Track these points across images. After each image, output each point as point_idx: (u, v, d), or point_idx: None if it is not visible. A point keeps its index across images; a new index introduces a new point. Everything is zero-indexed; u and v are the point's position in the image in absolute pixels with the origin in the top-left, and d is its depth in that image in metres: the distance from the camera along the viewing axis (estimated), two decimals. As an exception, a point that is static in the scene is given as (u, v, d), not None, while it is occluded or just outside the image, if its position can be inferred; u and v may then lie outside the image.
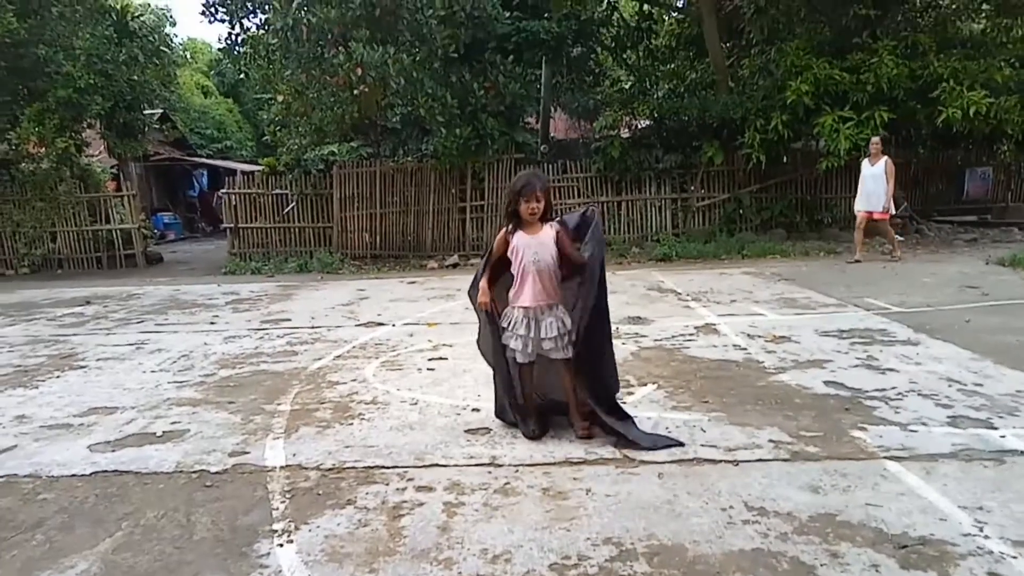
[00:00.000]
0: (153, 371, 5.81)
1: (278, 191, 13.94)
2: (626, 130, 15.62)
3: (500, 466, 3.61)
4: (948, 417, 4.04)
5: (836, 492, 3.17)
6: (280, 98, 13.56)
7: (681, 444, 3.78)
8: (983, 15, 14.04)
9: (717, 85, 14.38)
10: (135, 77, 15.44)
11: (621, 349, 5.89)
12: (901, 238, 12.95)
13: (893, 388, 4.60)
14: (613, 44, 16.35)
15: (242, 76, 19.77)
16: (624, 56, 16.85)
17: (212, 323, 7.85)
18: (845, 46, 12.62)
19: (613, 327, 6.47)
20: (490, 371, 4.61)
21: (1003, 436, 3.72)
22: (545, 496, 3.25)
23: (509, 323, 3.95)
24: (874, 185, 10.53)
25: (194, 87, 29.69)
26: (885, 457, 3.52)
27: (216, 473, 3.66)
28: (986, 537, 2.75)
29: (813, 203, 14.07)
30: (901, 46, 12.10)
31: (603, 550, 2.77)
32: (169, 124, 22.88)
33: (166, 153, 23.16)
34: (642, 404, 4.49)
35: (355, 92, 11.81)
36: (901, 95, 11.91)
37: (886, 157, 10.48)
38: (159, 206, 23.01)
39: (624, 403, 4.46)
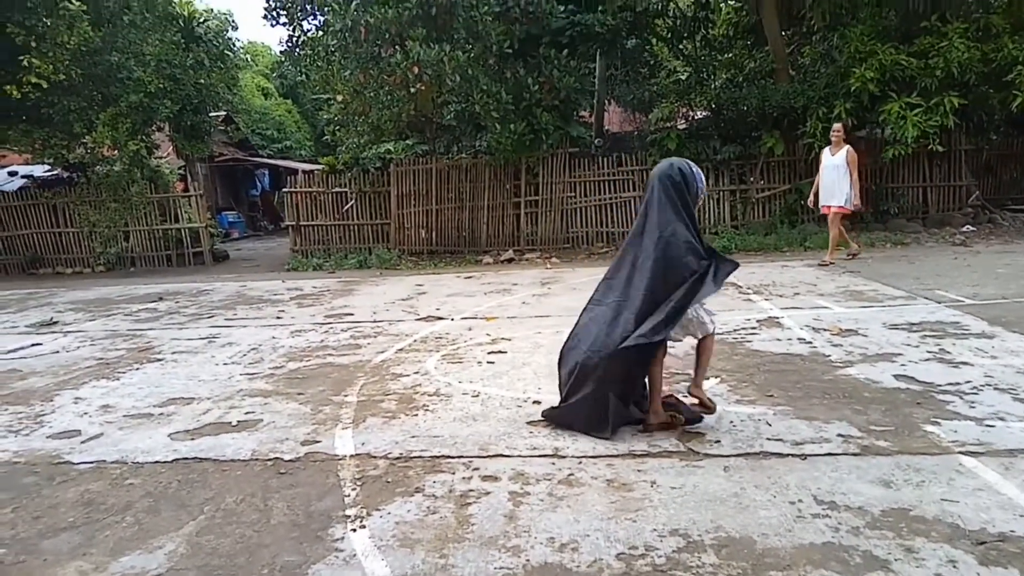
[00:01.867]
0: (225, 363, 6.04)
1: (337, 189, 14.25)
2: (682, 121, 15.40)
3: (563, 457, 3.65)
4: (1028, 412, 3.89)
5: (909, 487, 3.10)
6: (339, 98, 13.85)
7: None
8: (1063, -7, 13.32)
9: (777, 74, 14.04)
10: (201, 81, 16.00)
11: (682, 344, 5.84)
12: (973, 228, 12.45)
13: (967, 382, 4.45)
14: (669, 35, 16.13)
15: (301, 78, 20.28)
16: (680, 47, 16.61)
17: (278, 318, 8.10)
18: (912, 30, 12.16)
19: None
20: (548, 364, 4.65)
21: (1088, 432, 3.58)
22: (609, 487, 3.28)
23: None
24: (835, 176, 9.70)
25: (255, 89, 30.55)
26: (960, 452, 3.42)
27: (290, 461, 3.80)
28: (1071, 535, 2.66)
29: (879, 193, 13.61)
30: (972, 28, 11.59)
31: (670, 541, 2.78)
32: (232, 126, 23.63)
33: (229, 154, 23.91)
34: (705, 397, 4.45)
35: (411, 90, 11.97)
36: (973, 79, 11.42)
37: (848, 146, 9.68)
38: (223, 205, 23.78)
39: (685, 396, 4.44)
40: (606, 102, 16.65)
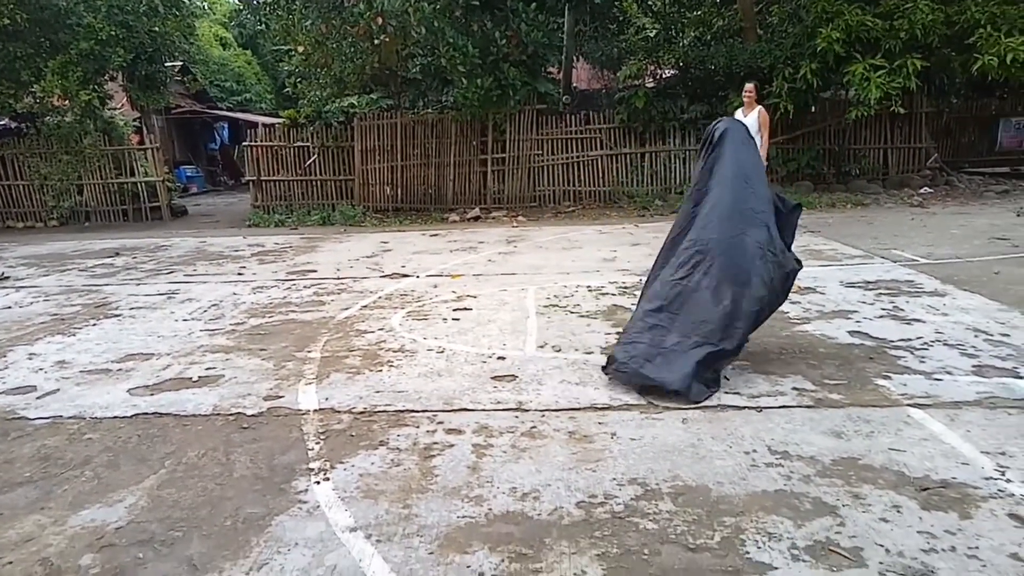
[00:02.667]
0: (185, 320, 5.95)
1: (299, 144, 13.94)
2: (650, 80, 15.32)
3: (527, 411, 3.69)
4: (973, 366, 4.04)
5: (859, 437, 3.22)
6: (300, 49, 13.46)
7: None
8: (1025, -44, 13.44)
9: (745, 33, 14.01)
10: (155, 28, 15.33)
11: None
12: (931, 189, 12.72)
13: (919, 338, 4.60)
14: (638, -10, 15.94)
15: (261, 27, 19.63)
16: (649, 3, 16.43)
17: (240, 274, 7.98)
18: (879, -9, 12.20)
19: (636, 278, 6.54)
20: (513, 321, 4.70)
21: (1028, 385, 3.73)
22: (571, 439, 3.34)
23: None
24: None
25: (213, 39, 29.46)
26: (909, 404, 3.55)
27: (252, 416, 3.78)
28: (1008, 480, 2.79)
29: (841, 154, 13.80)
30: (938, -10, 11.67)
31: (628, 489, 2.85)
32: (189, 76, 22.78)
33: (187, 106, 23.15)
34: (666, 353, 4.52)
35: (375, 42, 11.69)
36: (935, 42, 11.54)
37: (760, 107, 9.34)
38: (181, 159, 23.11)
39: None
40: (574, 58, 16.46)
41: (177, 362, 4.77)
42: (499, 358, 4.57)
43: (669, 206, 12.58)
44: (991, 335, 4.60)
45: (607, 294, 6.26)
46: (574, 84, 16.58)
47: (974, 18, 11.22)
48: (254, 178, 14.11)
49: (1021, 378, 3.83)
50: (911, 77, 11.20)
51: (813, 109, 13.48)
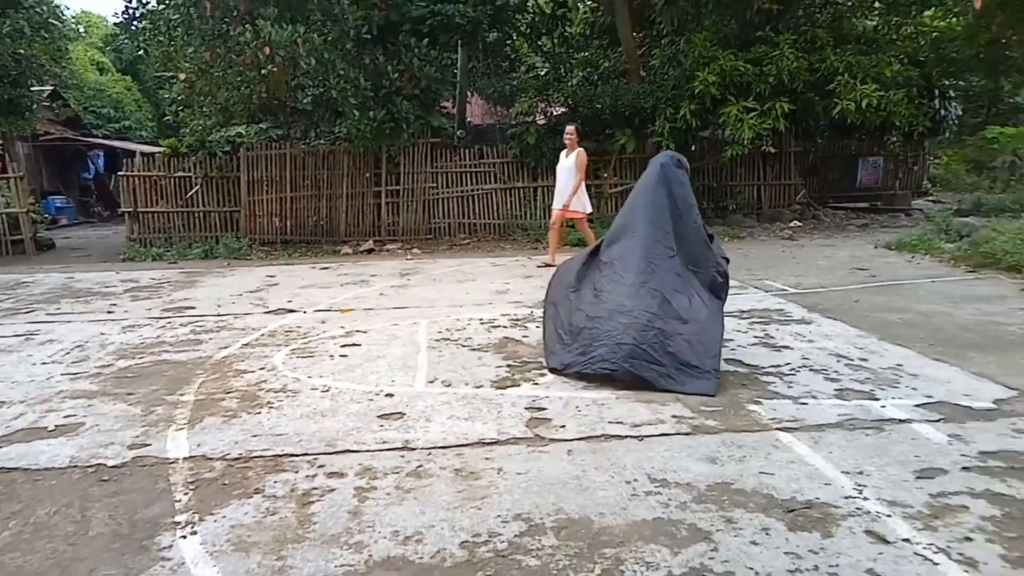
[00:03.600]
0: (44, 363, 5.48)
1: (181, 174, 13.32)
2: (542, 116, 15.74)
3: (413, 449, 3.62)
4: (835, 390, 4.32)
5: (732, 462, 3.35)
6: (182, 76, 12.93)
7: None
8: (876, 12, 14.87)
9: (629, 74, 14.67)
10: (21, 51, 14.37)
11: (535, 332, 5.99)
12: (800, 223, 13.65)
13: (787, 364, 4.87)
14: (528, 30, 16.39)
15: (141, 53, 18.73)
16: (539, 43, 16.94)
17: (109, 312, 7.46)
18: (749, 39, 13.12)
19: (528, 310, 6.61)
20: (403, 356, 4.65)
21: (883, 406, 4.01)
22: (457, 477, 3.29)
23: None
24: (567, 180, 9.64)
25: (88, 63, 27.89)
26: (778, 428, 3.74)
27: (114, 467, 3.51)
28: (865, 499, 2.97)
29: (719, 190, 14.62)
30: (801, 40, 12.67)
31: (513, 526, 2.83)
32: (60, 102, 21.43)
33: (57, 132, 21.69)
34: (554, 384, 4.58)
35: (263, 72, 11.40)
36: (800, 87, 12.50)
37: (580, 148, 9.59)
38: (50, 189, 21.55)
39: (536, 384, 4.58)
40: (468, 94, 16.70)
41: (31, 410, 4.38)
42: (387, 395, 4.47)
43: (561, 239, 12.84)
44: (851, 360, 4.93)
45: (499, 327, 6.29)
46: (468, 119, 16.80)
47: (833, 66, 12.26)
48: (130, 209, 13.34)
49: (877, 400, 4.12)
50: (780, 119, 12.05)
51: (693, 148, 14.23)
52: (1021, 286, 7.39)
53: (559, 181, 9.83)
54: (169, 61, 13.51)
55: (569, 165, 9.61)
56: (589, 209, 10.04)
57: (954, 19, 15.21)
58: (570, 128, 9.80)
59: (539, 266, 9.82)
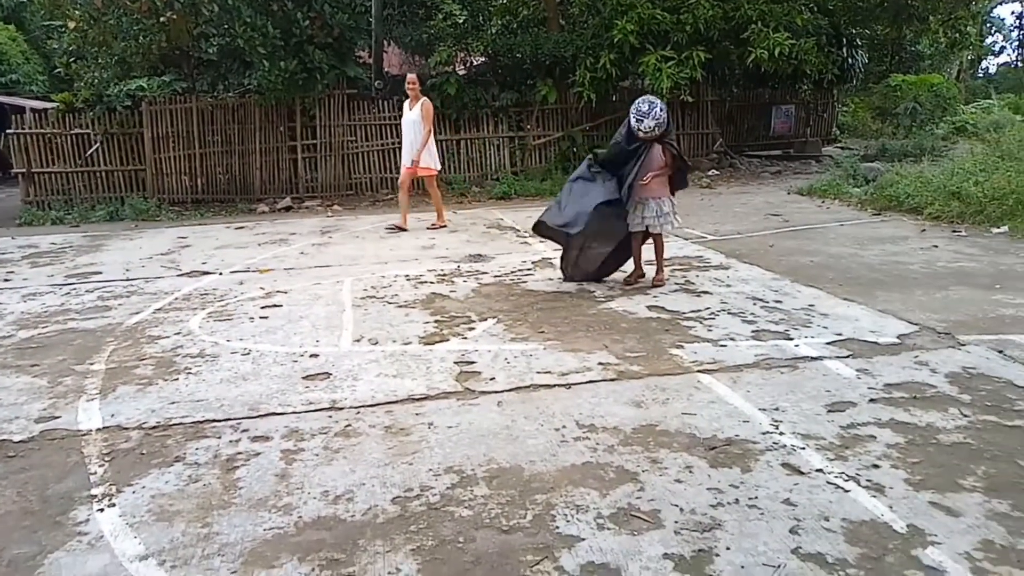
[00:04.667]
0: (-66, 337, 5.10)
1: (78, 131, 12.43)
2: (461, 67, 15.41)
3: (341, 409, 3.57)
4: (752, 332, 4.49)
5: (656, 405, 3.45)
6: (72, 25, 11.94)
7: None
8: (787, -39, 15.10)
9: (549, 22, 14.48)
10: None
11: (462, 287, 5.97)
12: (717, 172, 13.97)
13: (707, 308, 5.03)
14: (445, -24, 15.93)
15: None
16: (456, -11, 16.48)
17: (6, 280, 6.97)
18: (666, -14, 13.12)
19: (454, 265, 6.59)
20: (327, 315, 4.57)
21: (797, 345, 4.21)
22: (387, 434, 3.27)
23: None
24: (411, 133, 8.88)
25: (-36, 10, 25.48)
26: (699, 371, 3.87)
27: (20, 442, 3.32)
28: (781, 434, 3.12)
29: (640, 140, 14.74)
30: (716, -12, 12.76)
31: (445, 479, 2.84)
32: (-66, 53, 19.61)
33: (-67, 87, 19.88)
34: (483, 338, 4.59)
35: (161, 20, 10.69)
36: (716, 36, 12.63)
37: (424, 99, 8.92)
38: (-70, 150, 19.84)
39: (465, 339, 4.58)
40: (384, 43, 16.14)
41: (-78, 388, 4.08)
42: (312, 356, 4.38)
43: (486, 192, 12.77)
44: (767, 302, 5.13)
45: (425, 282, 6.22)
46: (385, 69, 16.27)
47: (747, 15, 12.42)
48: (24, 171, 12.39)
49: (791, 340, 4.31)
50: (697, 68, 12.18)
51: (614, 98, 14.25)
52: (921, 227, 7.82)
53: (405, 136, 9.04)
54: (56, 8, 12.44)
55: (414, 118, 8.83)
56: (438, 166, 9.38)
57: (860, -32, 15.64)
58: (411, 76, 9.10)
59: (388, 228, 9.13)
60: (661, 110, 5.41)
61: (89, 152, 12.43)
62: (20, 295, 6.30)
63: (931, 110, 17.42)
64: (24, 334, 5.08)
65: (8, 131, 12.71)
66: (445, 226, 9.16)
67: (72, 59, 13.26)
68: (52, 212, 11.84)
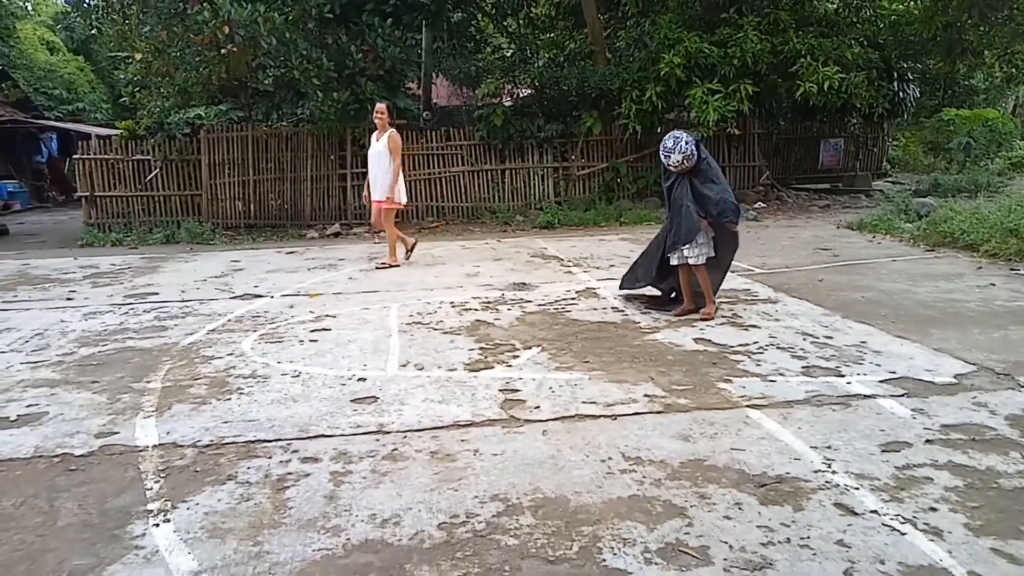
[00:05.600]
0: (2, 352, 5.32)
1: (139, 157, 12.97)
2: (508, 98, 15.66)
3: (388, 433, 3.61)
4: (802, 367, 4.41)
5: (704, 439, 3.41)
6: (138, 56, 12.52)
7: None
8: (836, -5, 15.08)
9: (595, 56, 14.65)
10: (-35, 29, 13.83)
11: (506, 315, 6.01)
12: (764, 204, 13.83)
13: (755, 343, 4.96)
14: (494, 11, 16.28)
15: (93, 32, 18.11)
16: (505, 23, 16.82)
17: (69, 299, 7.27)
18: (714, 21, 13.19)
19: (499, 293, 6.64)
20: (375, 340, 4.64)
21: (848, 383, 4.12)
22: (433, 459, 3.29)
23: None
24: (377, 166, 8.43)
25: (38, 42, 26.87)
26: (747, 406, 3.81)
27: (81, 456, 3.43)
28: (833, 472, 3.05)
29: (686, 172, 14.69)
30: (764, 22, 12.78)
31: (490, 507, 2.85)
32: (9, 83, 20.69)
33: (7, 115, 20.92)
34: (527, 366, 4.60)
35: (222, 52, 11.12)
36: (764, 69, 12.62)
37: (392, 130, 8.45)
38: (2, 173, 20.83)
39: (509, 366, 4.60)
40: (433, 75, 16.51)
41: (-9, 400, 4.26)
42: (359, 379, 4.45)
43: (529, 221, 12.88)
44: (817, 338, 5.04)
45: (470, 309, 6.28)
46: (434, 100, 16.62)
47: (796, 49, 12.40)
48: (87, 194, 12.95)
49: (842, 376, 4.22)
50: (744, 101, 12.16)
51: (659, 130, 14.26)
52: (977, 264, 7.61)
53: (371, 168, 8.55)
54: (124, 41, 13.06)
55: (380, 150, 8.35)
56: (405, 200, 8.82)
57: (911, 2, 15.50)
58: (380, 106, 8.49)
59: (379, 267, 8.59)
60: (687, 143, 5.44)
61: (149, 177, 12.94)
62: (82, 314, 6.55)
63: (986, 145, 17.04)
64: (85, 351, 5.27)
65: (74, 156, 13.31)
66: (397, 265, 8.56)
67: (136, 88, 13.88)
68: (112, 234, 12.33)
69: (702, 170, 5.61)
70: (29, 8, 29.32)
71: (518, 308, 6.27)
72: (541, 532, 2.65)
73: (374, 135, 8.62)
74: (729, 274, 7.42)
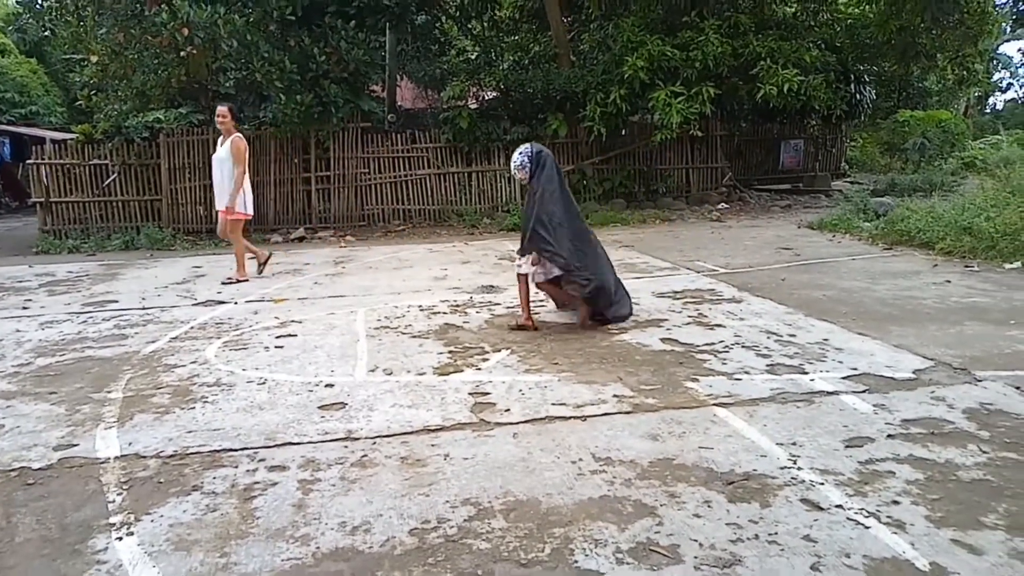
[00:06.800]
0: (-46, 364, 5.15)
1: (96, 161, 12.66)
2: (473, 101, 15.66)
3: (357, 439, 3.57)
4: (767, 365, 4.48)
5: (673, 438, 3.44)
6: (94, 59, 12.22)
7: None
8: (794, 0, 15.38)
9: (559, 58, 14.74)
10: (-90, 29, 13.35)
11: (475, 318, 6.00)
12: (727, 205, 14.04)
13: (721, 342, 5.02)
14: (458, 13, 16.26)
15: (47, 34, 17.63)
16: (469, 26, 16.82)
17: (24, 308, 7.05)
18: (676, 24, 13.36)
19: (467, 296, 6.62)
20: (342, 345, 4.59)
21: (812, 380, 4.20)
22: (404, 465, 3.27)
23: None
24: (220, 173, 7.91)
25: (-13, 44, 26.09)
26: (714, 404, 3.86)
27: (39, 469, 3.33)
28: (799, 468, 3.10)
29: (649, 173, 14.88)
30: (725, 25, 12.98)
31: (462, 511, 2.84)
32: (-43, 85, 20.04)
33: (-44, 119, 20.29)
34: (496, 369, 4.60)
35: (181, 54, 10.92)
36: (725, 72, 12.83)
37: (236, 135, 7.87)
38: (-50, 179, 20.18)
39: (479, 369, 4.59)
40: (398, 78, 16.44)
41: (-58, 414, 4.11)
42: (327, 385, 4.40)
43: (497, 224, 12.88)
44: (780, 336, 5.13)
45: (439, 313, 6.25)
46: (399, 103, 16.56)
47: (756, 52, 12.62)
48: (42, 200, 12.60)
49: (806, 374, 4.30)
50: (706, 103, 12.34)
51: (624, 132, 14.43)
52: (933, 261, 7.83)
53: (214, 175, 8.05)
54: (79, 43, 12.74)
55: (223, 156, 7.82)
56: (251, 211, 8.23)
57: (867, 6, 15.89)
58: (222, 109, 7.93)
59: (224, 282, 8.00)
60: (520, 154, 5.34)
61: (106, 182, 12.64)
62: (38, 323, 6.36)
63: (940, 145, 17.53)
64: (42, 361, 5.12)
65: (27, 161, 12.93)
66: (246, 280, 8.03)
67: (92, 91, 13.54)
68: (69, 241, 12.02)
69: (535, 188, 5.32)
70: (-22, 9, 28.41)
71: (487, 311, 6.26)
72: (513, 535, 2.65)
73: (219, 140, 8.10)
74: (695, 274, 7.56)
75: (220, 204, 8.01)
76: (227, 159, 7.80)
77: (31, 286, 8.32)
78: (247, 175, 8.03)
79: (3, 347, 5.55)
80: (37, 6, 13.19)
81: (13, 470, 3.33)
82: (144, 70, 11.58)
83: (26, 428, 3.84)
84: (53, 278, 8.87)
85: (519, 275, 5.52)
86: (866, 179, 17.09)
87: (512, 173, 5.54)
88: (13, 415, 4.04)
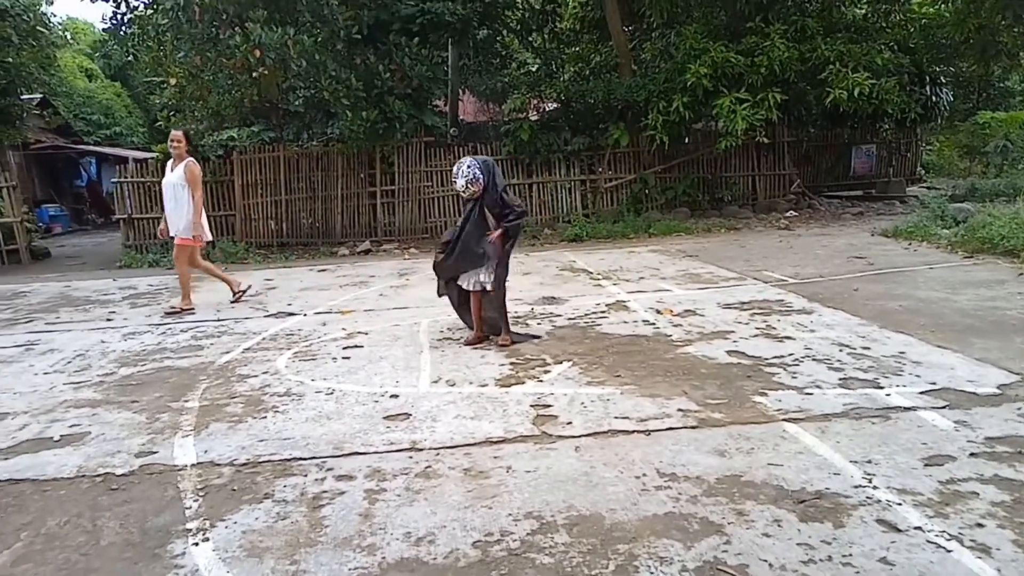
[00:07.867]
0: (46, 373, 5.46)
1: (175, 179, 13.25)
2: (534, 113, 15.73)
3: (421, 450, 3.62)
4: (840, 379, 4.33)
5: (740, 454, 3.36)
6: (173, 81, 12.86)
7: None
8: (864, 0, 14.90)
9: (621, 68, 14.66)
10: (9, 60, 14.30)
11: (537, 328, 6.01)
12: (795, 213, 13.66)
13: (790, 355, 4.88)
14: (519, 27, 16.39)
15: (130, 58, 18.65)
16: (530, 39, 16.93)
17: (109, 320, 7.44)
18: (739, 30, 13.13)
19: (528, 308, 6.65)
20: (406, 356, 4.65)
21: (888, 395, 4.03)
22: (467, 476, 3.29)
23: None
24: (172, 198, 7.53)
25: (77, 70, 27.74)
26: (784, 419, 3.75)
27: (122, 475, 3.50)
28: (875, 488, 2.98)
29: (714, 182, 14.62)
30: (791, 30, 12.68)
31: (524, 524, 2.84)
32: (51, 110, 21.34)
33: (48, 141, 21.59)
34: (558, 381, 4.59)
35: (254, 75, 11.37)
36: (792, 77, 12.51)
37: (190, 159, 7.61)
38: (43, 197, 21.45)
39: (540, 381, 4.59)
40: (460, 92, 16.67)
41: (36, 421, 4.36)
42: (392, 396, 4.47)
43: (558, 234, 12.88)
44: (854, 348, 4.95)
45: (499, 325, 6.27)
46: (461, 117, 16.77)
47: (824, 56, 12.27)
48: (125, 216, 13.29)
49: (881, 388, 4.14)
50: (772, 109, 12.06)
51: (687, 140, 14.24)
52: (1019, 270, 7.42)
53: (166, 202, 7.65)
54: (159, 66, 13.43)
55: (175, 180, 7.49)
56: (208, 236, 8.01)
57: (943, 5, 15.27)
58: (176, 134, 7.66)
59: (168, 311, 7.59)
60: (469, 167, 5.24)
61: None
62: (121, 334, 6.69)
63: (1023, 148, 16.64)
64: (125, 371, 5.39)
65: (112, 180, 13.65)
66: (192, 310, 7.59)
67: (171, 112, 14.23)
68: (149, 255, 12.61)
69: (492, 195, 5.39)
70: (68, 37, 30.23)
71: (548, 322, 6.26)
72: (576, 550, 2.63)
73: (169, 164, 7.76)
74: (763, 284, 7.38)
75: (173, 230, 7.60)
76: (180, 184, 7.47)
77: (115, 299, 8.77)
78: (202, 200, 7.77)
79: (89, 357, 5.86)
80: (121, 33, 13.90)
81: (99, 475, 3.51)
82: (219, 91, 12.11)
83: (110, 435, 4.04)
84: (135, 291, 9.33)
85: (474, 292, 5.58)
86: (944, 184, 16.39)
87: (460, 188, 5.32)
88: (99, 422, 4.26)
